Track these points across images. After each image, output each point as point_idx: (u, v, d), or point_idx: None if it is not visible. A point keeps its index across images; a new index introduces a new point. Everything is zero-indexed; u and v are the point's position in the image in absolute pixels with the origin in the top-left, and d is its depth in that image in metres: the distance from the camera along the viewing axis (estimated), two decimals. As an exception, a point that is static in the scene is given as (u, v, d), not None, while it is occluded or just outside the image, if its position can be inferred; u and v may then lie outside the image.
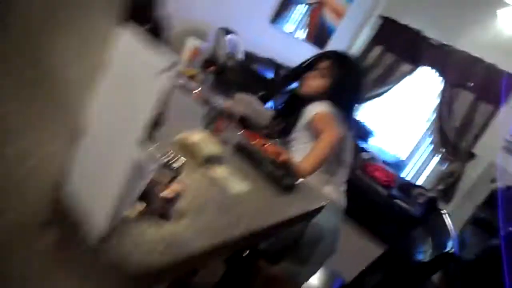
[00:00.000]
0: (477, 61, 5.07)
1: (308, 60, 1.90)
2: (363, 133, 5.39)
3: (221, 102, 1.97)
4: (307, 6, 5.13)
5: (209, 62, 3.85)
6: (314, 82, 1.83)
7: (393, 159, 5.34)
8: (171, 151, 0.90)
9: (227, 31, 4.04)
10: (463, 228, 4.45)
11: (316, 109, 1.74)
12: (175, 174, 0.84)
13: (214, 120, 1.20)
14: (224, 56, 3.33)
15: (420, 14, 5.53)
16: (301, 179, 1.35)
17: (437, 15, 5.39)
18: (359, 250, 3.54)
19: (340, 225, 1.85)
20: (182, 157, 0.90)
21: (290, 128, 1.92)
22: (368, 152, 4.76)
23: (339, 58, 1.85)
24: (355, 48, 5.99)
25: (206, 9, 3.98)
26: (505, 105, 4.92)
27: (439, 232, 1.43)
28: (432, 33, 5.41)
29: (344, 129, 1.75)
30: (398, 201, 4.07)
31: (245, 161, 1.28)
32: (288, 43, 5.16)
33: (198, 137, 1.17)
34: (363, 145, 4.94)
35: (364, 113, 5.97)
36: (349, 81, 1.82)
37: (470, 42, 5.16)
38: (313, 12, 5.24)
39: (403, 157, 5.57)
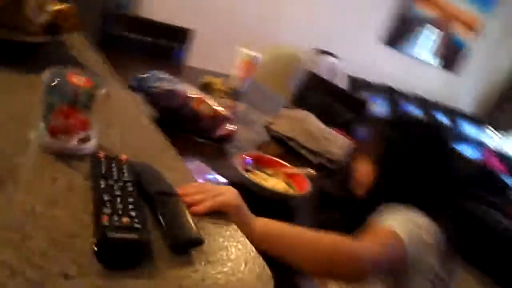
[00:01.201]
0: None
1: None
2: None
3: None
4: (429, 24, 4.21)
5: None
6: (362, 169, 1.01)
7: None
8: None
9: (324, 53, 3.44)
10: None
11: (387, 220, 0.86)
12: None
13: (51, 110, 0.58)
14: (313, 79, 2.72)
15: None
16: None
17: None
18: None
19: None
20: None
21: None
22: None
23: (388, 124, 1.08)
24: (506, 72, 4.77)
25: (301, 30, 3.45)
26: None
27: None
28: None
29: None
30: None
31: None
32: (408, 66, 4.29)
33: None
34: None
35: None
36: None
37: None
38: (441, 27, 4.29)
39: None
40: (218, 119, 1.34)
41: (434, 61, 4.48)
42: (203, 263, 0.50)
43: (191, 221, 0.53)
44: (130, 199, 0.50)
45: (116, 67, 1.27)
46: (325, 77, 3.39)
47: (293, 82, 3.11)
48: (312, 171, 1.22)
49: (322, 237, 0.73)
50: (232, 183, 1.09)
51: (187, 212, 0.55)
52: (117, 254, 0.43)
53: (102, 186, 0.51)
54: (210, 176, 1.09)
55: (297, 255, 0.73)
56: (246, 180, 1.07)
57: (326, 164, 1.50)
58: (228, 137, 1.35)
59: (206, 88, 1.50)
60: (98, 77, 0.70)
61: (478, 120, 4.84)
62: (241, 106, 1.86)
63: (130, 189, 0.53)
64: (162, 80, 1.28)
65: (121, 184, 0.53)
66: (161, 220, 0.50)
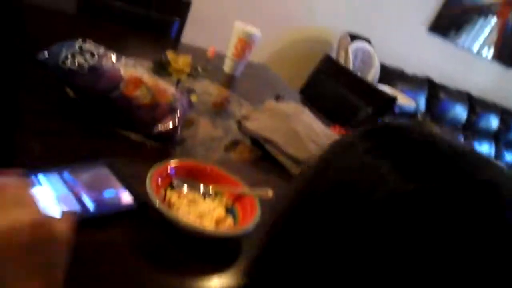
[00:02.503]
0: None
1: None
2: None
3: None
4: (485, 11, 3.60)
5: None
6: None
7: None
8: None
9: (357, 38, 2.97)
10: None
11: None
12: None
13: None
14: (330, 65, 2.27)
15: None
16: None
17: None
18: None
19: None
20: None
21: None
22: None
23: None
24: None
25: (332, 12, 3.00)
26: None
27: None
28: None
29: None
30: None
31: None
32: (455, 57, 3.71)
33: None
34: None
35: None
36: None
37: None
38: (499, 15, 3.67)
39: None
40: (159, 109, 0.98)
41: (487, 53, 3.87)
42: None
43: None
44: None
45: (97, 40, 0.98)
46: (355, 65, 2.95)
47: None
48: (270, 192, 0.84)
49: None
50: (142, 205, 0.74)
51: None
52: None
53: None
54: (108, 192, 0.74)
55: None
56: (153, 204, 0.70)
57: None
58: (169, 135, 0.99)
59: (161, 67, 1.14)
60: None
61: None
62: (225, 93, 1.49)
63: None
64: (84, 53, 0.93)
65: None
66: None
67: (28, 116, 0.90)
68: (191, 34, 2.06)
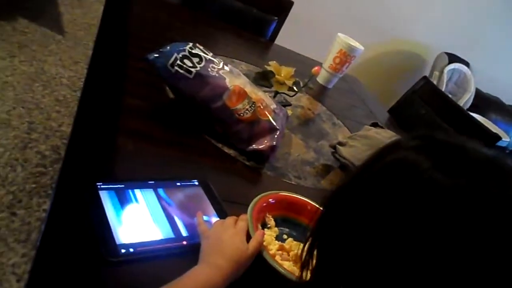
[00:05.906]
0: None
1: None
2: None
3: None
4: None
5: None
6: None
7: None
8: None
9: (456, 59, 2.72)
10: None
11: None
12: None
13: None
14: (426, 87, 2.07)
15: None
16: None
17: None
18: None
19: None
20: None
21: None
22: None
23: None
24: None
25: (433, 30, 2.76)
26: None
27: None
28: None
29: None
30: None
31: None
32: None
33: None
34: None
35: None
36: None
37: None
38: None
39: None
40: (258, 126, 0.91)
41: None
42: None
43: None
44: None
45: (194, 34, 0.93)
46: (448, 86, 2.71)
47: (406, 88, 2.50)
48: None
49: None
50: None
51: None
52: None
53: None
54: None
55: None
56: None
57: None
58: (264, 155, 0.91)
59: (263, 78, 1.06)
60: None
61: None
62: (317, 107, 1.39)
63: None
64: (192, 58, 0.88)
65: None
66: None
67: (124, 113, 0.87)
68: (286, 35, 1.97)
